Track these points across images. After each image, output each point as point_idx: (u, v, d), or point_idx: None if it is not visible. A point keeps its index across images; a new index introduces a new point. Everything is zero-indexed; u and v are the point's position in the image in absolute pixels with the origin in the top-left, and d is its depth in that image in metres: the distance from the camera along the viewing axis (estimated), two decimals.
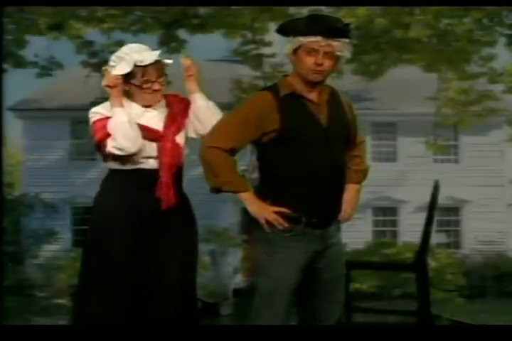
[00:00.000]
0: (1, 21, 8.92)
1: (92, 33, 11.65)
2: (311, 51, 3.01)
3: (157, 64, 3.28)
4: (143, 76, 3.25)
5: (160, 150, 3.29)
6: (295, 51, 3.05)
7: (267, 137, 3.06)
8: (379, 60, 11.38)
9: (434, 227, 19.45)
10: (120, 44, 11.92)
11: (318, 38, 2.99)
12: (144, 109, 3.34)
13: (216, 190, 3.07)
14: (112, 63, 3.32)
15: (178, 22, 11.12)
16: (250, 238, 3.14)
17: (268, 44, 12.50)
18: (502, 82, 12.50)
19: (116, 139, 3.21)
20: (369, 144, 18.01)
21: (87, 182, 17.75)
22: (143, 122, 3.31)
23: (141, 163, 3.30)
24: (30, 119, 19.12)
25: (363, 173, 3.34)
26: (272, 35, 12.94)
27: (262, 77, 13.26)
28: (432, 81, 14.02)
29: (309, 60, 3.02)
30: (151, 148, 3.30)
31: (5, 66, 10.52)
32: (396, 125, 18.80)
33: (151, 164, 3.31)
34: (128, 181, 3.30)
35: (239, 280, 16.33)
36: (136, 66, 3.24)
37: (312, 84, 3.09)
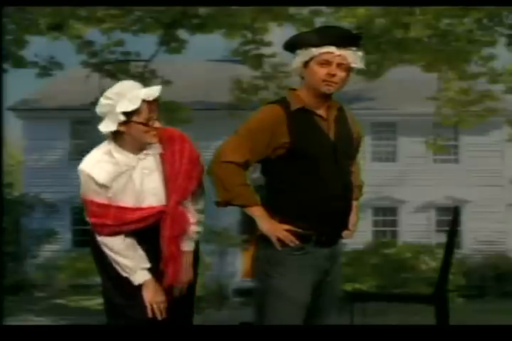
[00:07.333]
0: (1, 21, 8.93)
1: (92, 33, 11.67)
2: (324, 62, 2.95)
3: (157, 99, 2.97)
4: (150, 112, 2.94)
5: (161, 221, 3.01)
6: (305, 64, 2.99)
7: (275, 152, 2.97)
8: (379, 60, 11.38)
9: (434, 227, 19.18)
10: (120, 44, 11.97)
11: (332, 48, 2.93)
12: (137, 157, 3.03)
13: (225, 203, 2.96)
14: (106, 102, 2.95)
15: (178, 22, 11.13)
16: (258, 255, 3.04)
17: (268, 44, 12.51)
18: (502, 82, 12.52)
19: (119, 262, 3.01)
20: (369, 144, 18.02)
21: None
22: (138, 183, 3.02)
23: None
24: (30, 119, 19.08)
25: (360, 189, 3.26)
26: (272, 35, 13.02)
27: (262, 77, 13.28)
28: (432, 81, 14.02)
29: (322, 71, 2.95)
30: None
31: (5, 66, 10.54)
32: (396, 125, 18.77)
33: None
34: None
35: (239, 281, 16.35)
36: (143, 101, 2.91)
37: (322, 99, 3.01)
